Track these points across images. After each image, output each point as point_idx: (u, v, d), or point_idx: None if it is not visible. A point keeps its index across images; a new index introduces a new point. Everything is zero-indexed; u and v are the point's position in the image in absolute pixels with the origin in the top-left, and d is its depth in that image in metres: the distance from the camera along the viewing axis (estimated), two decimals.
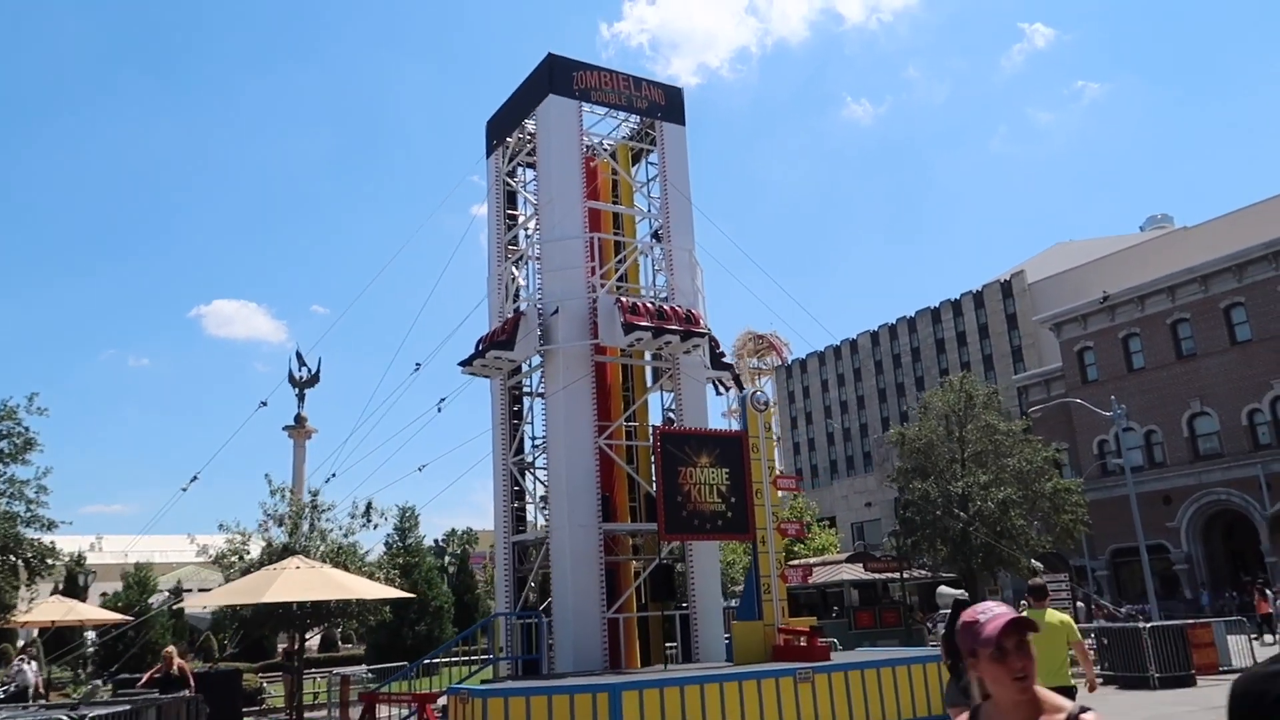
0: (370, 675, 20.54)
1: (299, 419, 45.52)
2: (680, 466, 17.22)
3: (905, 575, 29.32)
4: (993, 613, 2.13)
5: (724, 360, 21.57)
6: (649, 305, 19.25)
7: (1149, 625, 19.59)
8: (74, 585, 30.67)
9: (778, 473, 18.28)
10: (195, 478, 15.62)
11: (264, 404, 17.55)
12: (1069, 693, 10.35)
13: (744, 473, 17.74)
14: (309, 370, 46.33)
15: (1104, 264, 58.17)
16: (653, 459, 17.97)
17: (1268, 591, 26.34)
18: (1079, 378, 51.30)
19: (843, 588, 30.49)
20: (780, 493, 18.42)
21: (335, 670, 19.27)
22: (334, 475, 19.78)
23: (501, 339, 19.37)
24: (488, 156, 22.95)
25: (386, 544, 30.39)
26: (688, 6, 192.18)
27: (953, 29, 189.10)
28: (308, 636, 22.21)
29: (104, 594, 28.38)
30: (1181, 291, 46.52)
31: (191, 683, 18.26)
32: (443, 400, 18.96)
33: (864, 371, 77.36)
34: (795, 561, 35.55)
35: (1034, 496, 27.51)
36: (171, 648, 20.73)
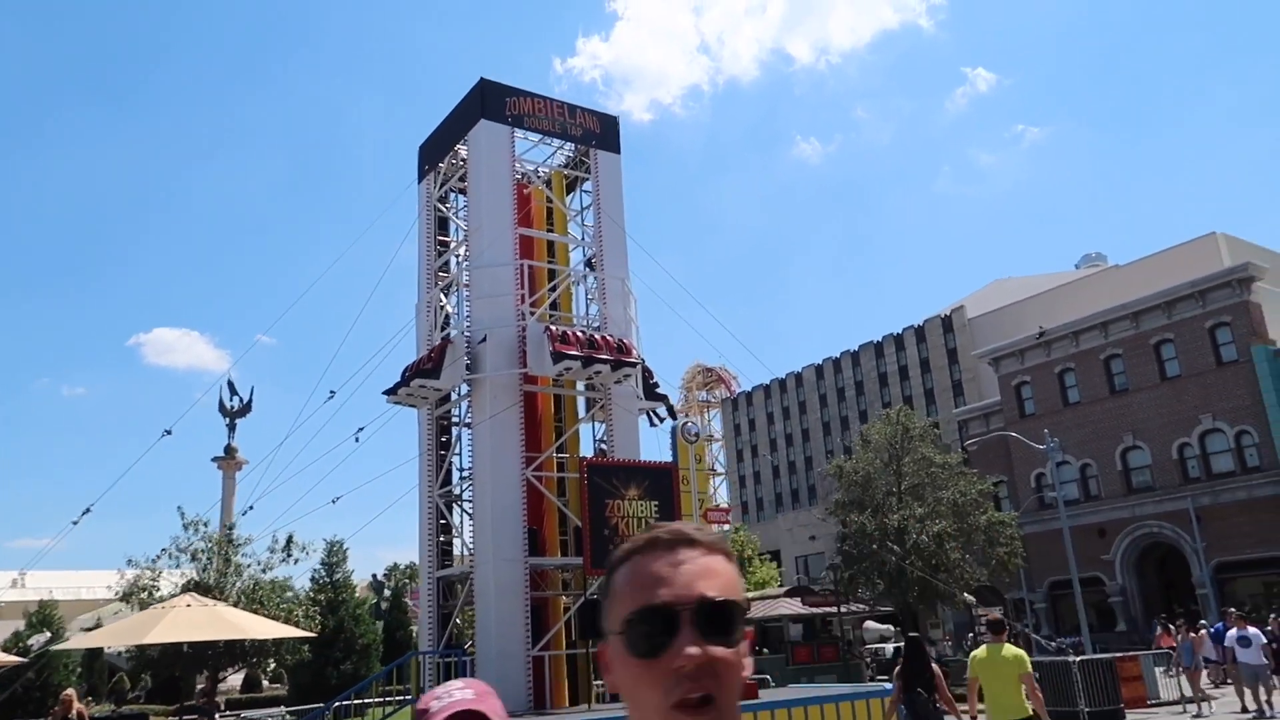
0: (287, 717, 19.60)
1: (229, 450, 44.07)
2: (608, 499, 16.85)
3: (843, 609, 29.08)
4: (448, 699, 1.79)
5: (658, 391, 21.23)
6: (579, 334, 18.90)
7: (1078, 659, 19.53)
8: None
9: (710, 505, 17.94)
10: (88, 510, 14.78)
11: (168, 432, 16.79)
12: None
13: (674, 505, 17.41)
14: (240, 400, 45.00)
15: (1040, 300, 59.29)
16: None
17: (1170, 626, 26.11)
18: (1017, 412, 51.93)
19: (782, 622, 30.12)
20: (714, 526, 18.08)
21: (246, 713, 18.38)
22: (251, 508, 18.99)
23: (427, 367, 18.85)
24: (419, 181, 22.53)
25: (313, 578, 29.46)
26: (640, 44, 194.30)
27: (899, 71, 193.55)
28: (223, 676, 21.26)
29: (15, 632, 27.02)
30: (1114, 328, 47.43)
31: None
32: (360, 429, 18.32)
33: (809, 405, 77.75)
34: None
35: (969, 529, 27.53)
36: (70, 690, 19.70)
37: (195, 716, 19.76)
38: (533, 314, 19.27)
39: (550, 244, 21.95)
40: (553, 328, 18.68)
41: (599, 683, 19.39)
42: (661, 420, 23.41)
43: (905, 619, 30.14)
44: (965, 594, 23.91)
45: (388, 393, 19.32)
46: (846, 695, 15.89)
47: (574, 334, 18.84)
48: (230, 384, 45.24)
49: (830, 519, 30.78)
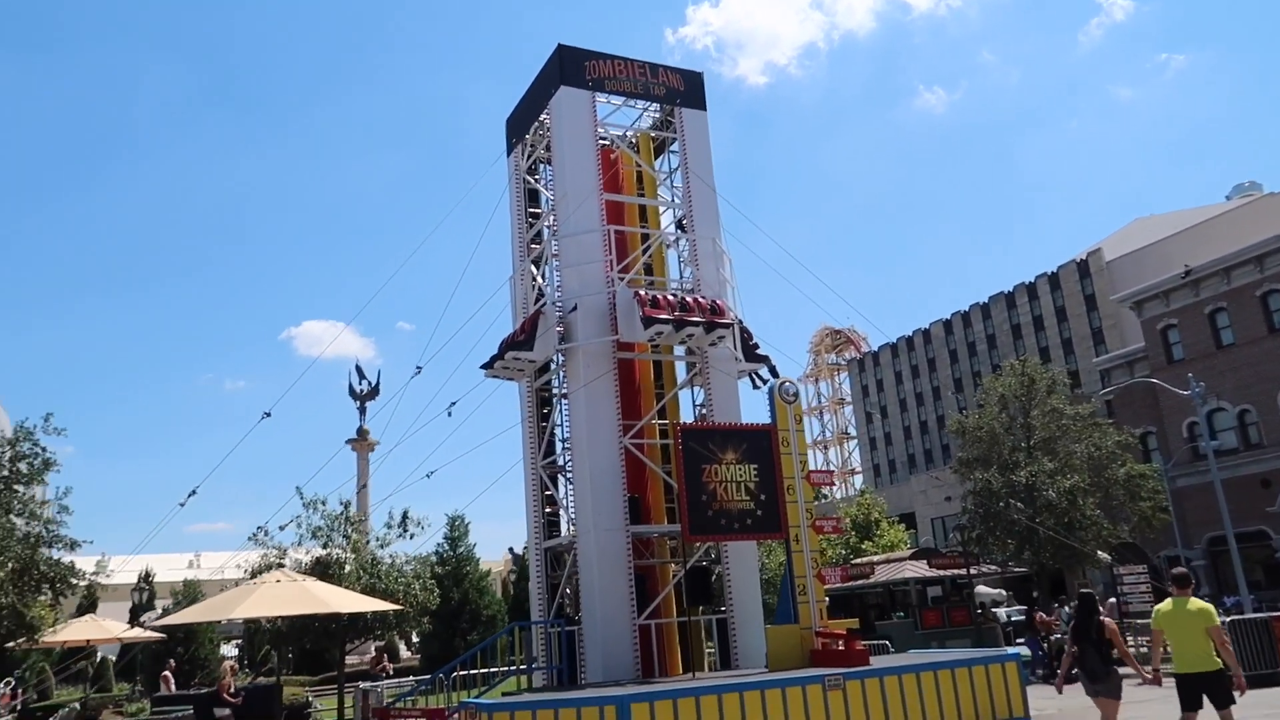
0: (414, 684, 20.09)
1: (361, 432, 45.91)
2: (704, 464, 16.38)
3: (973, 572, 27.80)
4: None
5: (759, 352, 20.60)
6: (670, 298, 18.47)
7: (1229, 619, 17.97)
8: (141, 603, 31.32)
9: (810, 468, 17.21)
10: (193, 493, 15.47)
11: (267, 414, 17.28)
12: (1219, 678, 9.80)
13: (774, 468, 16.80)
14: (369, 384, 46.80)
15: (1186, 236, 55.08)
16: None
17: None
18: (1164, 357, 48.49)
19: (909, 585, 29.08)
20: (817, 488, 17.41)
21: (362, 684, 18.97)
22: (364, 486, 19.45)
23: (520, 339, 18.83)
24: (508, 155, 22.48)
25: (436, 553, 30.27)
26: (751, 6, 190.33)
27: (1026, 7, 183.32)
28: (351, 647, 22.01)
29: (164, 609, 29.00)
30: (1272, 260, 43.54)
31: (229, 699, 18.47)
32: (453, 404, 18.43)
33: (938, 362, 74.92)
34: (859, 559, 34.27)
35: (1107, 484, 25.77)
36: (229, 662, 20.91)
37: (369, 683, 20.68)
38: (621, 279, 18.95)
39: (641, 209, 21.54)
40: (642, 292, 18.31)
41: (711, 649, 19.11)
42: (765, 382, 22.77)
43: (1041, 581, 28.61)
44: (1102, 552, 22.36)
45: (484, 367, 19.41)
46: (972, 660, 15.06)
47: (665, 298, 18.42)
48: (359, 369, 47.07)
49: (958, 478, 29.40)
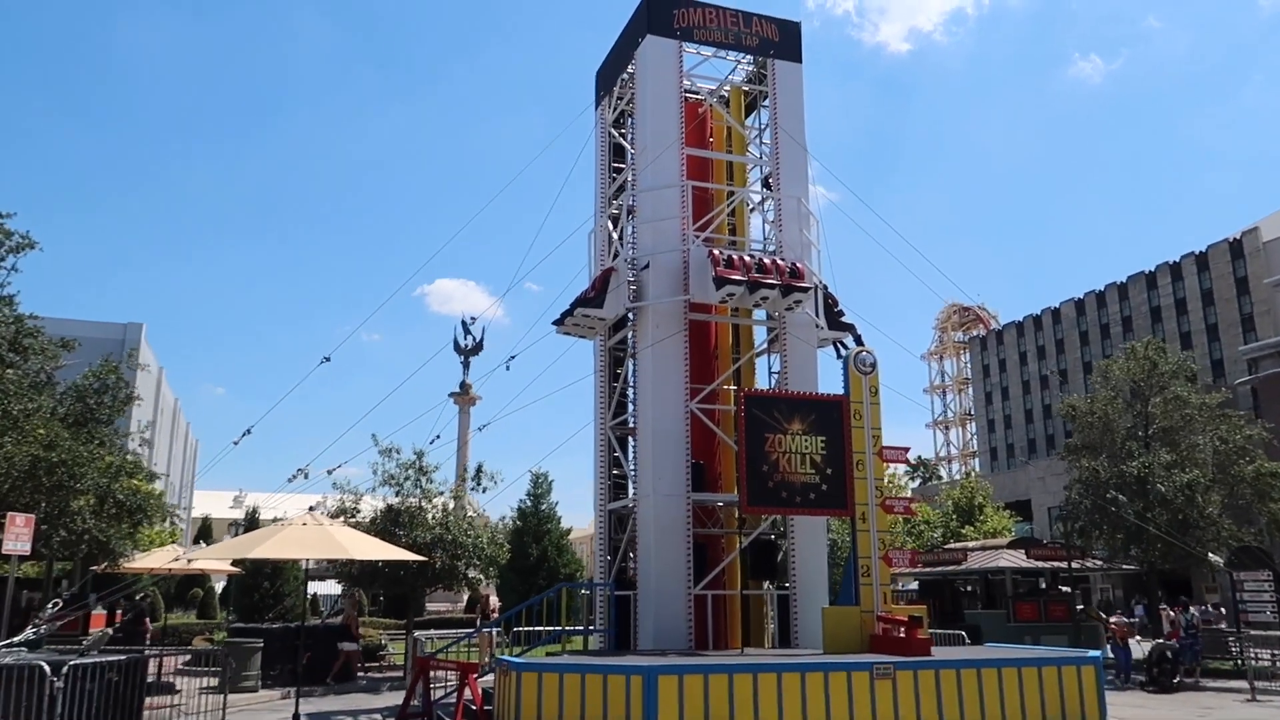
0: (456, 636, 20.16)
1: (464, 386, 46.63)
2: (768, 433, 15.62)
3: (1074, 565, 26.05)
4: None
5: (843, 320, 19.58)
6: (746, 259, 17.65)
7: None
8: (235, 536, 32.91)
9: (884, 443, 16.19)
10: (248, 431, 15.71)
11: (326, 359, 17.40)
12: None
13: (843, 442, 15.90)
14: (474, 339, 47.44)
15: None
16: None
17: None
18: None
19: (1004, 575, 27.51)
20: (889, 466, 16.42)
21: (417, 633, 19.16)
22: (439, 438, 19.43)
23: (591, 296, 18.37)
24: (595, 107, 21.94)
25: (519, 508, 30.52)
26: None
27: None
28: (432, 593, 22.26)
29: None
30: None
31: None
32: (512, 358, 18.14)
33: (1067, 343, 70.86)
34: (957, 544, 32.69)
35: (1233, 481, 23.55)
36: (355, 598, 21.89)
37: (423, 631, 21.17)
38: (698, 238, 18.23)
39: (729, 166, 20.70)
40: (716, 252, 17.55)
41: (772, 623, 18.41)
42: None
43: (1150, 579, 26.58)
44: (1213, 555, 20.42)
45: (556, 323, 19.05)
46: (1044, 660, 13.92)
47: (741, 258, 17.61)
48: (464, 324, 47.76)
49: (1066, 466, 27.52)
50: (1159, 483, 22.53)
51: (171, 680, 18.97)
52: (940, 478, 78.24)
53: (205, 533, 35.18)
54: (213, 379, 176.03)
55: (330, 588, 37.31)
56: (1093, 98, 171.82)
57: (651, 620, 16.52)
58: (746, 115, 21.40)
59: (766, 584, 18.61)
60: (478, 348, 46.89)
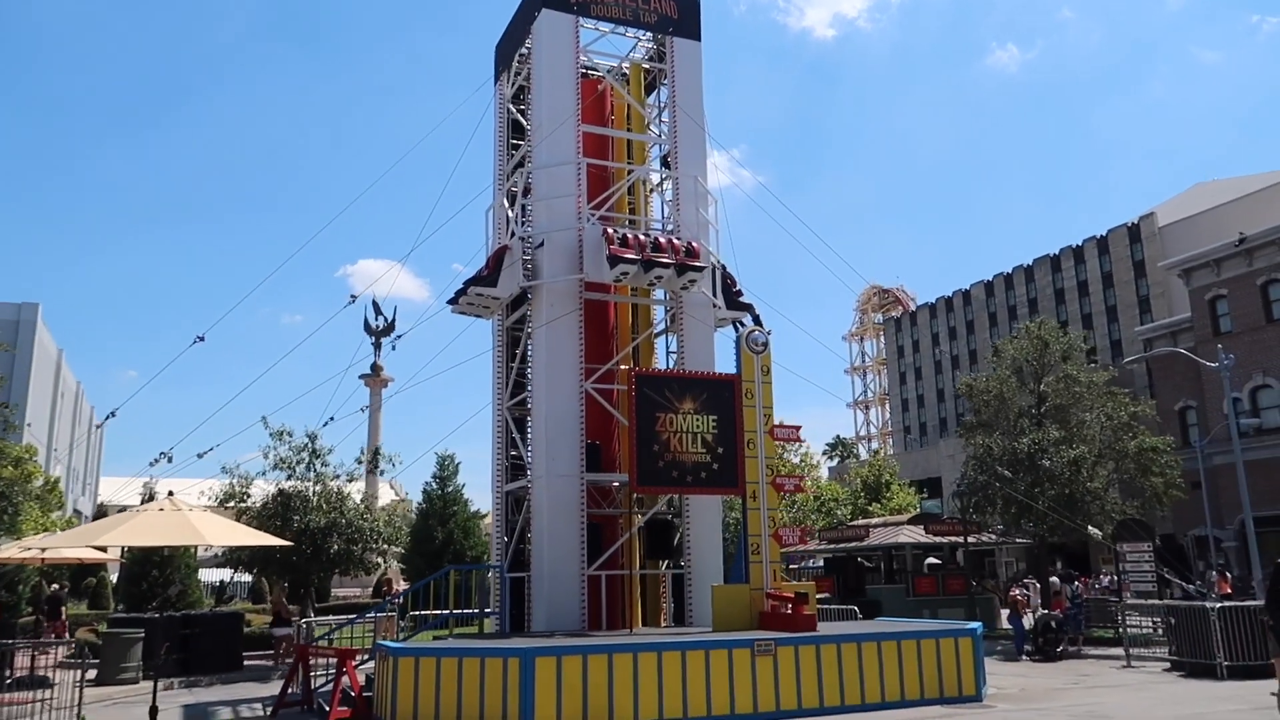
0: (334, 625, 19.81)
1: (375, 368, 45.77)
2: (659, 412, 15.63)
3: (970, 540, 26.74)
4: None
5: (741, 300, 19.61)
6: (641, 237, 17.52)
7: (1218, 605, 16.81)
8: None
9: (775, 421, 16.32)
10: (112, 414, 15.06)
11: (200, 338, 16.78)
12: None
13: (735, 420, 15.97)
14: (385, 319, 46.53)
15: (1245, 204, 52.21)
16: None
17: (1227, 573, 23.06)
18: (1210, 329, 46.15)
19: (905, 551, 28.12)
20: (781, 444, 16.53)
21: (305, 620, 18.72)
22: (332, 419, 19.03)
23: (484, 275, 18.04)
24: (495, 82, 21.50)
25: (425, 492, 30.08)
26: None
27: None
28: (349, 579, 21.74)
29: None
30: None
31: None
32: (399, 336, 17.76)
33: (976, 324, 72.75)
34: (861, 521, 33.27)
35: (1118, 456, 24.42)
36: (281, 588, 21.30)
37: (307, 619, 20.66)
38: (594, 216, 18.02)
39: (629, 145, 20.50)
40: (610, 230, 17.37)
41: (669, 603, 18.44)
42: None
43: (1042, 552, 27.45)
44: (1093, 528, 21.16)
45: (450, 302, 18.68)
46: (929, 632, 14.20)
47: (635, 236, 17.47)
48: (375, 304, 46.77)
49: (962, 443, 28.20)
50: (1048, 458, 23.19)
51: (47, 674, 18.22)
52: (858, 457, 79.79)
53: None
54: (125, 363, 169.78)
55: (217, 575, 36.36)
56: (1009, 86, 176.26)
57: (545, 602, 16.39)
58: (647, 94, 21.21)
59: (664, 564, 18.64)
60: (389, 328, 46.03)
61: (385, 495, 45.46)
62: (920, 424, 77.70)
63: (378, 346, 45.94)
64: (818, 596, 27.62)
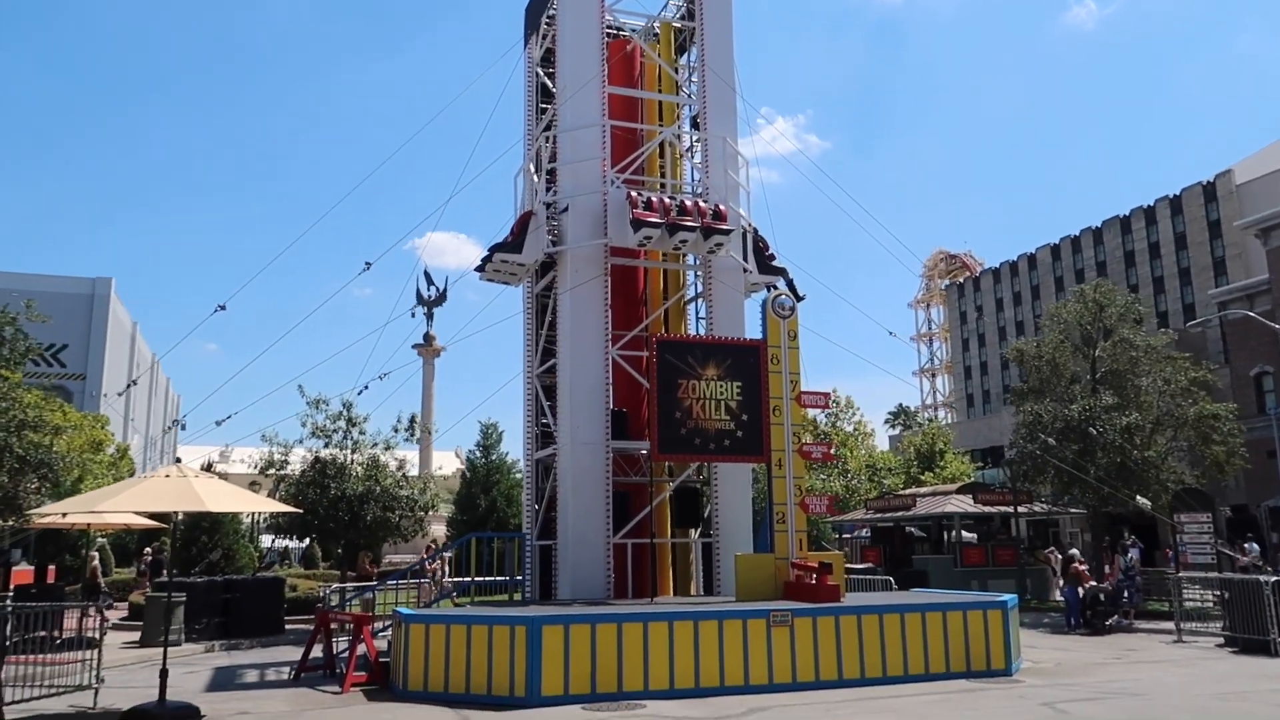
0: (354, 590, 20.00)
1: (427, 337, 46.24)
2: (680, 379, 15.32)
3: (1021, 509, 25.94)
4: None
5: (775, 264, 19.13)
6: (666, 200, 17.12)
7: (1272, 580, 15.96)
8: None
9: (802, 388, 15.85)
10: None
11: (222, 307, 16.88)
12: None
13: (760, 386, 15.58)
14: (437, 290, 46.88)
15: None
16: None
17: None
18: None
19: (953, 521, 27.44)
20: (808, 411, 16.09)
21: (334, 585, 18.93)
22: (366, 388, 19.14)
23: (509, 241, 17.86)
24: (524, 46, 21.18)
25: (469, 460, 30.23)
26: None
27: None
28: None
29: None
30: None
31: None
32: (415, 306, 17.67)
33: (1043, 289, 70.47)
34: (907, 491, 32.56)
35: (1176, 423, 23.34)
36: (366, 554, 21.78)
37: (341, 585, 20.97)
38: (619, 179, 17.67)
39: (660, 107, 20.06)
40: (634, 193, 17.02)
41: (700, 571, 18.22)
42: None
43: (1098, 522, 26.50)
44: (1141, 499, 20.21)
45: (478, 269, 18.55)
46: (959, 604, 13.73)
47: (660, 200, 17.09)
48: (427, 274, 47.22)
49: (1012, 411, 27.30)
50: (1099, 426, 22.28)
51: (95, 635, 18.79)
52: (922, 425, 78.36)
53: None
54: (205, 336, 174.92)
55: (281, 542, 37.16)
56: (1085, 43, 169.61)
57: (570, 570, 16.31)
58: (679, 54, 20.71)
59: (693, 532, 18.41)
60: (441, 298, 46.36)
61: (450, 464, 46.09)
62: (984, 391, 75.85)
63: (430, 316, 46.36)
64: (861, 566, 27.35)
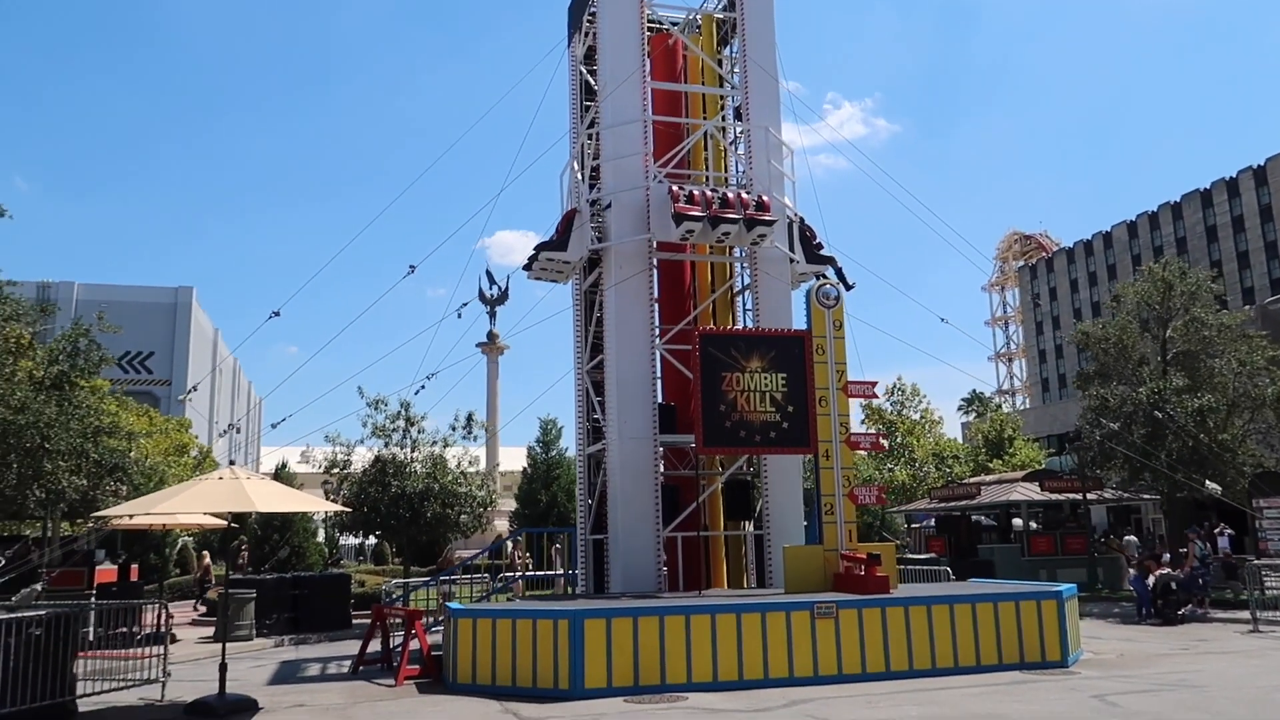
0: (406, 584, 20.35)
1: (490, 336, 46.87)
2: (724, 372, 15.31)
3: (1091, 497, 25.21)
4: None
5: (822, 254, 18.97)
6: (709, 193, 17.11)
7: None
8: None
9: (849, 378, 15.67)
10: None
11: (276, 313, 17.37)
12: None
13: (806, 377, 15.48)
14: (499, 289, 47.51)
15: None
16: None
17: None
18: None
19: (1020, 509, 26.83)
20: (854, 400, 15.89)
21: (395, 581, 19.39)
22: (424, 387, 19.60)
23: (554, 240, 18.05)
24: (568, 45, 21.34)
25: (530, 455, 30.62)
26: None
27: None
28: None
29: None
30: None
31: None
32: (465, 305, 18.00)
33: (1119, 268, 68.21)
34: (972, 479, 31.91)
35: (1253, 404, 22.41)
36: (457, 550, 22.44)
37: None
38: (660, 174, 17.71)
39: (704, 100, 20.02)
40: (676, 187, 17.04)
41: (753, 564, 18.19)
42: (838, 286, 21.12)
43: (1171, 508, 25.63)
44: (1210, 483, 19.42)
45: (525, 268, 18.80)
46: (989, 596, 13.45)
47: (703, 193, 17.09)
48: (489, 273, 47.87)
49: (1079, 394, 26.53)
50: (1170, 409, 21.54)
51: (171, 631, 19.62)
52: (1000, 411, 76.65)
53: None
54: (285, 339, 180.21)
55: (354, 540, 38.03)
56: (1162, 12, 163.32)
57: (620, 564, 16.45)
58: (721, 46, 20.63)
59: (746, 524, 18.39)
60: (503, 297, 46.99)
61: (520, 461, 46.82)
62: (1059, 376, 73.81)
63: (493, 315, 47.02)
64: (923, 556, 26.93)
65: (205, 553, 31.38)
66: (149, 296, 68.98)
